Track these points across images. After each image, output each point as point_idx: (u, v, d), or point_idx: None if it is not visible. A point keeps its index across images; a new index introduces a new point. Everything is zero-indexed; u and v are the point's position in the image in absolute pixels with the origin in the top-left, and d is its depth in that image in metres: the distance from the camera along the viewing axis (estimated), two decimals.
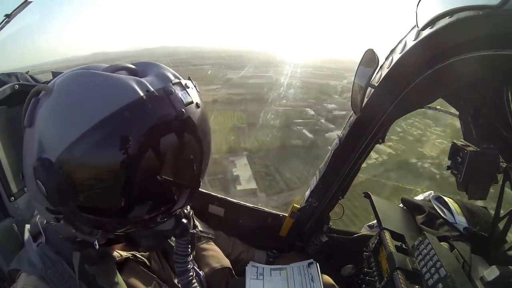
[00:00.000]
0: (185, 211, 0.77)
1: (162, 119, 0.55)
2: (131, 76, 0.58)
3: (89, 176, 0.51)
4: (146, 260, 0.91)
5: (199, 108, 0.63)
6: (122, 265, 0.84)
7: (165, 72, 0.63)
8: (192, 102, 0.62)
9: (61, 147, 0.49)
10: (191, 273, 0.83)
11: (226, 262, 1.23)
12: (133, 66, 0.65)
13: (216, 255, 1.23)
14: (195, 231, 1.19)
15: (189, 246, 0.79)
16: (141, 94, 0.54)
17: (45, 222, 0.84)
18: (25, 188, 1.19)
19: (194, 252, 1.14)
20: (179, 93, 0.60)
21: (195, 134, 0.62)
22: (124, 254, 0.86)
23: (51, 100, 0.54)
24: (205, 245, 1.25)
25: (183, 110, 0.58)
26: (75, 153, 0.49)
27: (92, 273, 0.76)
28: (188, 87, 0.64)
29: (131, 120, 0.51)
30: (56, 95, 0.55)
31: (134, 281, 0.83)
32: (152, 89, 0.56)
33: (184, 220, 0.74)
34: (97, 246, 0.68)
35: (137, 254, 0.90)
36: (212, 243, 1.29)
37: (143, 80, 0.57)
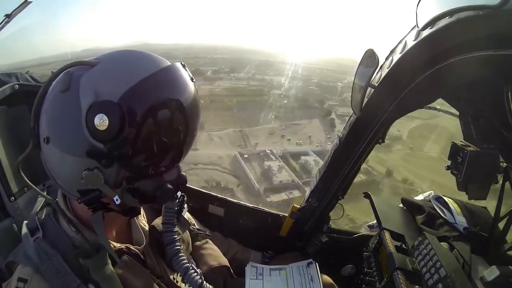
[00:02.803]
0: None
1: (186, 80, 0.73)
2: None
3: (143, 110, 0.65)
4: (140, 253, 0.92)
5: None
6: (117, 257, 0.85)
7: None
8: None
9: (122, 90, 0.64)
10: (178, 244, 0.87)
11: (224, 261, 1.23)
12: None
13: (215, 254, 1.23)
14: (193, 227, 1.20)
15: (176, 216, 0.89)
16: (170, 63, 0.73)
17: (43, 217, 0.86)
18: (25, 188, 1.19)
19: (191, 249, 1.16)
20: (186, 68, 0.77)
21: (198, 99, 0.76)
22: (118, 245, 0.87)
23: (103, 65, 0.70)
24: (203, 245, 1.25)
25: (193, 77, 0.76)
26: (135, 93, 0.65)
27: (86, 267, 0.77)
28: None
29: (171, 74, 0.71)
30: (109, 60, 0.71)
31: (127, 275, 0.84)
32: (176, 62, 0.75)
33: (184, 173, 0.82)
34: (118, 201, 0.72)
35: (130, 247, 0.90)
36: (211, 242, 1.30)
37: None
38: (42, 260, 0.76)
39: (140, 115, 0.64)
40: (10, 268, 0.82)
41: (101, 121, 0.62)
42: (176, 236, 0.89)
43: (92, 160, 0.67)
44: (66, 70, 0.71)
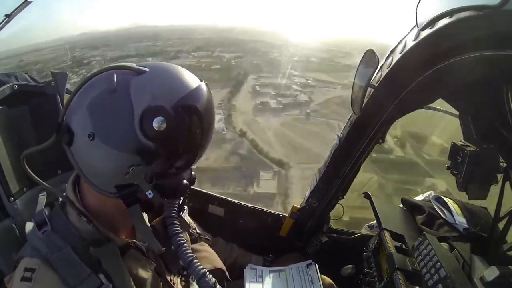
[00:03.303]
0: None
1: (210, 96, 0.82)
2: None
3: (188, 118, 0.75)
4: (144, 249, 0.95)
5: None
6: (123, 251, 0.87)
7: None
8: None
9: (174, 99, 0.73)
10: (182, 236, 0.91)
11: (219, 263, 1.22)
12: None
13: (209, 256, 1.22)
14: (193, 231, 1.20)
15: (176, 209, 0.94)
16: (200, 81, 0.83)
17: (48, 212, 0.88)
18: (25, 189, 1.19)
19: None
20: None
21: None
22: (125, 240, 0.90)
23: (154, 74, 0.77)
24: (197, 246, 1.24)
25: (211, 93, 0.84)
26: (184, 103, 0.74)
27: (96, 256, 0.80)
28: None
29: (204, 91, 0.80)
30: (158, 71, 0.79)
31: (135, 267, 0.87)
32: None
33: (194, 173, 0.91)
34: (151, 195, 0.77)
35: (136, 242, 0.93)
36: (206, 244, 1.29)
37: None
38: (52, 250, 0.77)
39: (185, 121, 0.74)
40: (15, 266, 0.82)
41: (160, 123, 0.70)
42: (179, 229, 0.92)
43: (138, 156, 0.73)
44: (107, 72, 0.77)
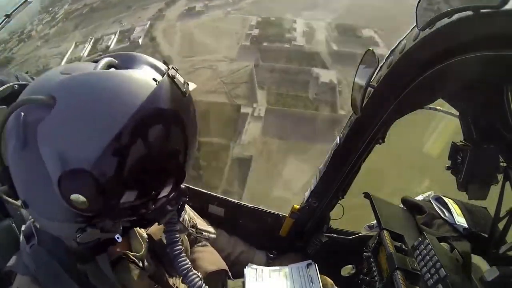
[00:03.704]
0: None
1: (175, 102, 0.60)
2: (134, 70, 0.60)
3: (132, 169, 0.54)
4: (137, 260, 0.92)
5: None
6: (115, 264, 0.85)
7: (155, 62, 0.65)
8: (186, 82, 0.64)
9: (95, 154, 0.51)
10: (179, 244, 0.87)
11: (222, 264, 1.21)
12: (115, 61, 0.63)
13: (212, 257, 1.22)
14: (192, 230, 1.19)
15: (177, 214, 0.86)
16: (154, 84, 0.57)
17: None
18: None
19: (189, 254, 1.15)
20: (177, 75, 0.63)
21: (194, 123, 0.67)
22: (117, 251, 0.87)
23: (61, 112, 0.52)
24: (200, 248, 1.23)
25: (186, 90, 0.62)
26: (111, 155, 0.51)
27: (84, 271, 0.77)
28: (178, 70, 0.66)
29: (157, 107, 0.56)
30: (68, 100, 0.53)
31: (127, 278, 0.85)
32: (161, 78, 0.59)
33: (183, 186, 0.76)
34: (120, 239, 0.70)
35: (128, 253, 0.90)
36: (208, 245, 1.28)
37: (148, 71, 0.60)
38: (39, 267, 0.75)
39: (127, 176, 0.54)
40: (9, 276, 0.82)
41: (79, 201, 0.53)
42: (178, 236, 0.89)
43: (79, 224, 0.62)
44: (14, 113, 0.55)
